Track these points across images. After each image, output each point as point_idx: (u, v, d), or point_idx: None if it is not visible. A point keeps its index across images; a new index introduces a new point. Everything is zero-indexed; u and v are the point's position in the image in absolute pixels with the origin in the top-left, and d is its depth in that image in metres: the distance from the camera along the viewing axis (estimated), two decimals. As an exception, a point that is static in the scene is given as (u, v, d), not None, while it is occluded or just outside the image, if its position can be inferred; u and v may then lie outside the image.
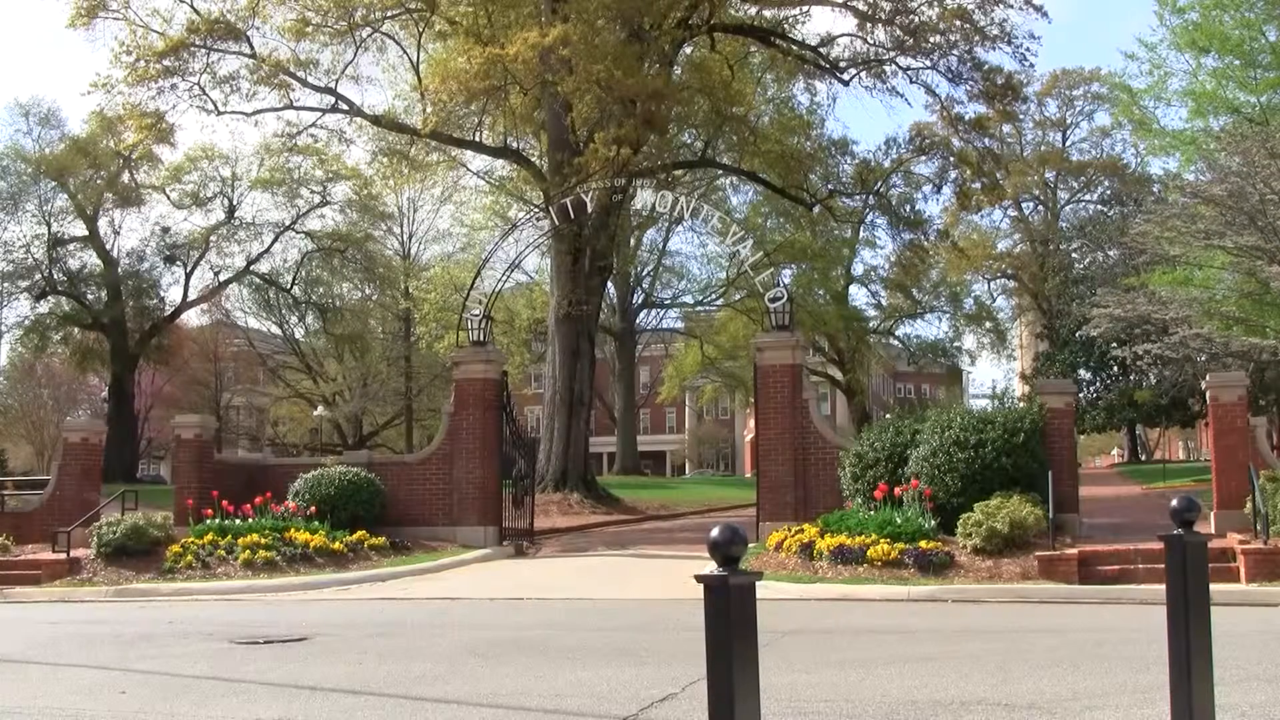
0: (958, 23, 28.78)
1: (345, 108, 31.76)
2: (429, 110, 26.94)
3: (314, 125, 33.45)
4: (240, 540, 17.30)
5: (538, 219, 23.16)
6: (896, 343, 65.99)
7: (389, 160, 35.96)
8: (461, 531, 19.68)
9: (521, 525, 20.92)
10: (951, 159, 34.85)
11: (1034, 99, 49.06)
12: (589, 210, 24.05)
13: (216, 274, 48.26)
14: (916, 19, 28.99)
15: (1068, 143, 61.75)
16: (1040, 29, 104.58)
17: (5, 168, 42.94)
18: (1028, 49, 29.29)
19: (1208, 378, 17.20)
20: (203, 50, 28.97)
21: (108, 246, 45.24)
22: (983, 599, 12.64)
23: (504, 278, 24.19)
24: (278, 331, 55.37)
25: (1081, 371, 52.64)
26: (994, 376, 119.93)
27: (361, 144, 41.96)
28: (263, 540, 17.22)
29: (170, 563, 16.96)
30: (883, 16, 29.74)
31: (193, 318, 53.56)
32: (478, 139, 32.94)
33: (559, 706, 7.03)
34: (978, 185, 33.96)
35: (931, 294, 61.17)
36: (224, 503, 18.52)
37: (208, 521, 18.13)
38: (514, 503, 20.77)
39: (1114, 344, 33.30)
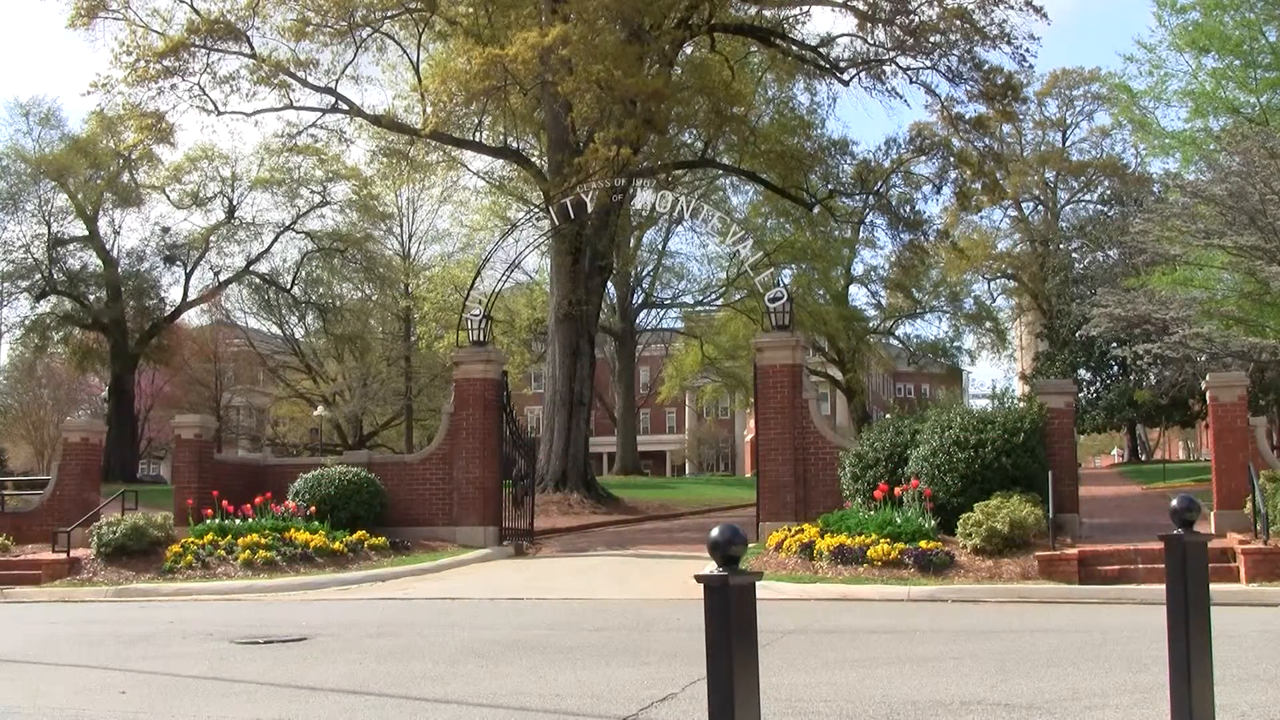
0: (958, 23, 28.79)
1: (345, 108, 31.76)
2: (429, 110, 26.94)
3: (314, 125, 33.53)
4: (240, 540, 17.32)
5: (538, 219, 23.17)
6: (896, 343, 66.01)
7: (389, 160, 35.98)
8: (461, 531, 19.70)
9: (521, 525, 20.93)
10: (951, 159, 34.82)
11: (1034, 99, 49.08)
12: (589, 210, 24.04)
13: (216, 274, 48.20)
14: (916, 19, 28.99)
15: (1068, 143, 61.79)
16: (1040, 29, 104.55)
17: (5, 168, 42.81)
18: (1027, 49, 29.36)
19: (1208, 378, 17.18)
20: (203, 50, 28.97)
21: (108, 246, 45.16)
22: (982, 599, 12.64)
23: (504, 278, 24.17)
24: (278, 331, 55.30)
25: (1081, 371, 52.64)
26: (994, 376, 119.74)
27: (361, 144, 42.03)
28: (263, 540, 17.23)
29: (170, 563, 16.99)
30: (883, 16, 29.74)
31: (193, 318, 53.54)
32: (478, 139, 32.94)
33: (559, 706, 7.02)
34: (978, 185, 33.94)
35: (931, 294, 61.18)
36: (224, 503, 18.54)
37: (208, 521, 18.16)
38: (514, 503, 20.78)
39: (1114, 344, 33.30)
